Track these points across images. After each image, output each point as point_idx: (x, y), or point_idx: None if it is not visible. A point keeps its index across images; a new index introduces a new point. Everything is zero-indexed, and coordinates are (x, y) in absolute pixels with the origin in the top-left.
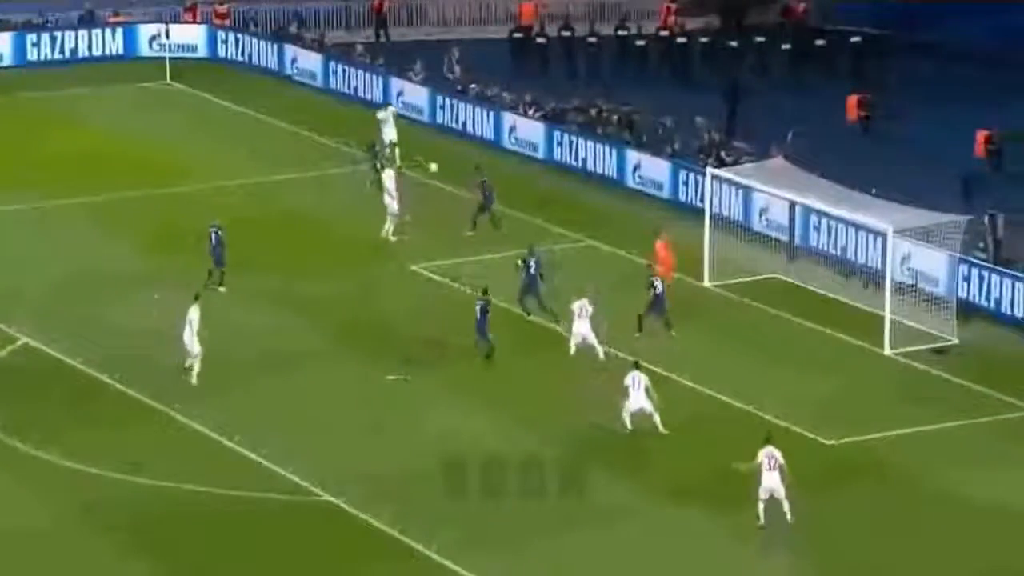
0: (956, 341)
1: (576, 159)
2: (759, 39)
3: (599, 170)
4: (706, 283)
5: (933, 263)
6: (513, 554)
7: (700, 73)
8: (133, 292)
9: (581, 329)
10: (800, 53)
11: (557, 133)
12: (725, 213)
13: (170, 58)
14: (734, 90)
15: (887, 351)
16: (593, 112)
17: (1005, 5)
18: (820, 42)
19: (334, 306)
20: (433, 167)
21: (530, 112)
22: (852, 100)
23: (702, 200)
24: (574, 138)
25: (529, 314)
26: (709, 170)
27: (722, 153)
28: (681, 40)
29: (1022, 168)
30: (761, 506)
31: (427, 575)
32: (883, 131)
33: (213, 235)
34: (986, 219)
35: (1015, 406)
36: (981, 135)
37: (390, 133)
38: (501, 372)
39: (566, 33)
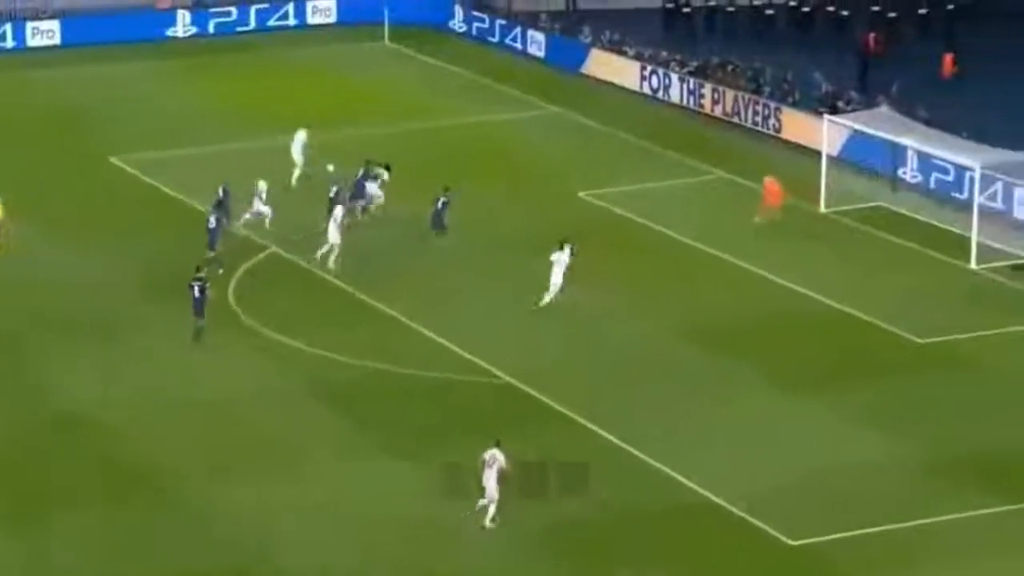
0: None
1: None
2: (874, 8)
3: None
4: (822, 209)
5: (1013, 194)
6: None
7: (821, 37)
8: None
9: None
10: (903, 19)
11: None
12: (838, 153)
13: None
14: (865, 51)
15: (973, 266)
16: (728, 68)
17: None
18: (922, 10)
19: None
20: (330, 168)
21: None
22: (948, 58)
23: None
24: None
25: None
26: (826, 117)
27: (838, 103)
28: (805, 9)
29: None
30: None
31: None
32: (972, 84)
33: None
34: None
35: None
36: None
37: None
38: None
39: (711, 3)
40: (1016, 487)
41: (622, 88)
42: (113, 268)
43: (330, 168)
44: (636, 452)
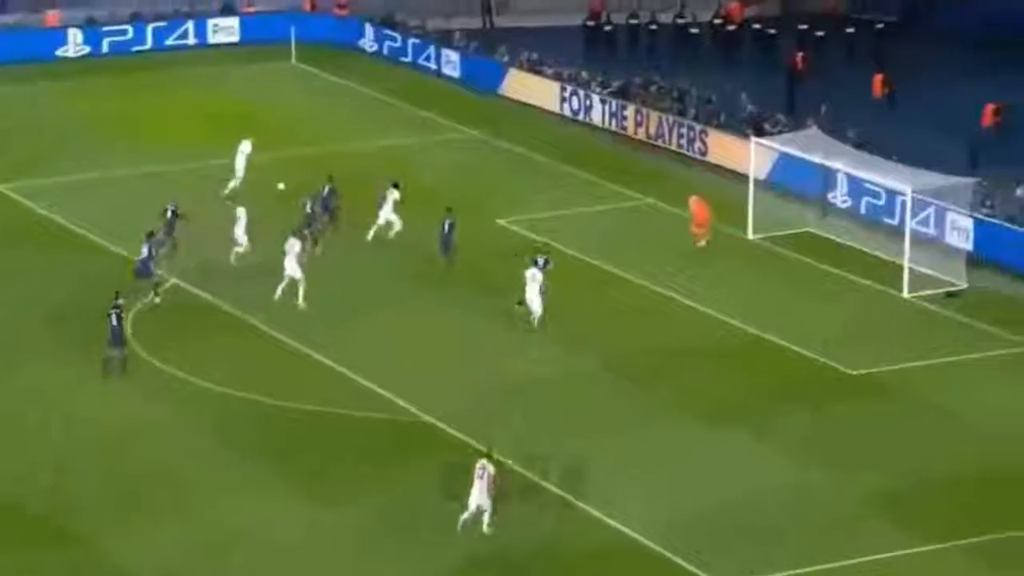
0: (965, 285)
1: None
2: (801, 27)
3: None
4: (749, 235)
5: (945, 219)
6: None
7: (747, 56)
8: None
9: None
10: (831, 38)
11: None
12: (766, 177)
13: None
14: (793, 71)
15: (905, 294)
16: (652, 89)
17: None
18: (849, 29)
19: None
20: (280, 186)
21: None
22: (878, 78)
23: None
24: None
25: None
26: (752, 139)
27: (765, 124)
28: (731, 28)
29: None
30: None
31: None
32: (903, 105)
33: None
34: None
35: (1013, 342)
36: (989, 107)
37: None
38: None
39: (632, 21)
40: (945, 524)
41: (542, 110)
42: (6, 302)
43: (280, 187)
44: (558, 491)
